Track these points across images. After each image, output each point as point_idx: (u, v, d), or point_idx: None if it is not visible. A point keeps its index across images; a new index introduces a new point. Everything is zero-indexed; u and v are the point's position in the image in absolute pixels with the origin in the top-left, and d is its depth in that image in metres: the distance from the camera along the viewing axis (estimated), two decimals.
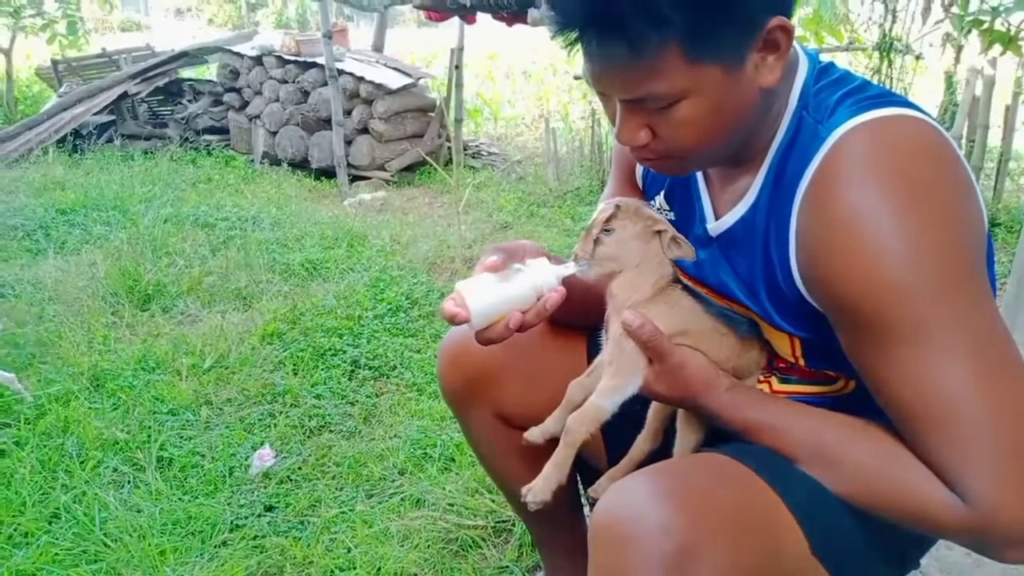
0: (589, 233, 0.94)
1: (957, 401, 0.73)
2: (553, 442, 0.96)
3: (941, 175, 0.78)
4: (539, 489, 0.91)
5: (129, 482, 1.88)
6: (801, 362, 0.93)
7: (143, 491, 1.83)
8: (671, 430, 1.02)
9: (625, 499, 0.79)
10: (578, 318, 1.09)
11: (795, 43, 0.92)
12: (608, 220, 0.93)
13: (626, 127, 0.85)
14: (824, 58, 0.93)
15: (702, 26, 0.76)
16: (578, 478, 1.32)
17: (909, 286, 0.74)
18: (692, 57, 0.77)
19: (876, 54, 4.04)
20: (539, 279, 0.93)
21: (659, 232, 0.94)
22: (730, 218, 0.92)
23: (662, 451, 1.02)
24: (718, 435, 0.93)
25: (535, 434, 1.00)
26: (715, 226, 0.95)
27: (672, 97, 0.80)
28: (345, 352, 2.52)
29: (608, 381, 0.91)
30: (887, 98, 0.82)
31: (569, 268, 0.95)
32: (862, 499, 0.81)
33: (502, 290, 0.93)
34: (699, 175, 0.99)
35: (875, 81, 4.17)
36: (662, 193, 1.06)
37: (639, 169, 1.11)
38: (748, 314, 0.95)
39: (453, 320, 0.91)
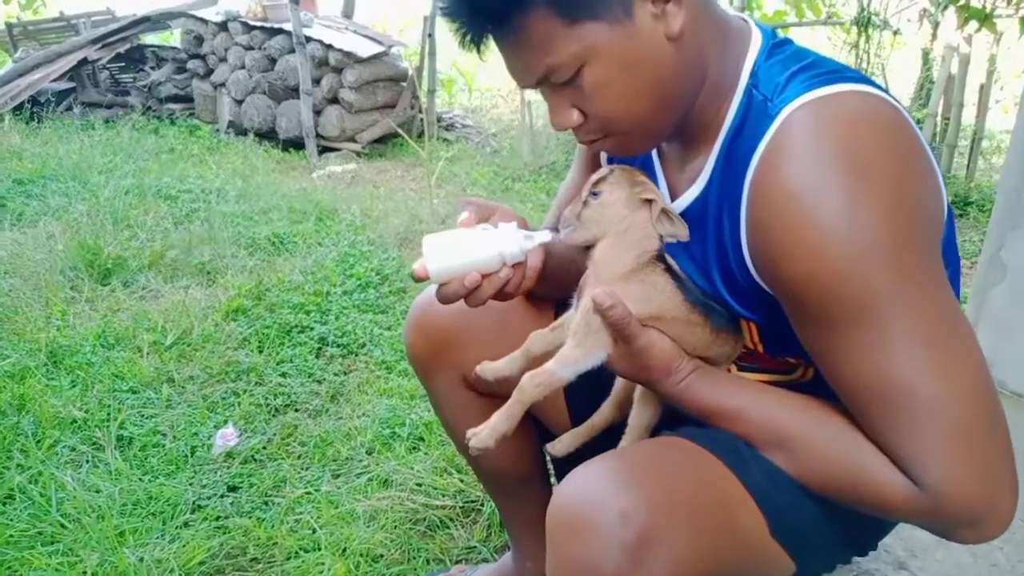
0: (579, 195, 0.90)
1: (906, 385, 0.73)
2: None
3: (892, 152, 0.75)
4: (484, 435, 0.88)
5: (87, 461, 1.82)
6: (760, 348, 0.93)
7: (102, 471, 1.78)
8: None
9: (584, 486, 0.77)
10: (553, 293, 1.06)
11: (749, 18, 0.90)
12: (598, 183, 0.89)
13: (555, 111, 0.85)
14: (782, 33, 0.91)
15: None
16: (546, 453, 1.30)
17: (855, 269, 0.72)
18: (568, 19, 0.77)
19: (854, 29, 4.02)
20: (504, 245, 0.90)
21: (648, 201, 0.87)
22: (684, 200, 0.91)
23: (625, 422, 1.00)
24: (675, 413, 0.92)
25: (487, 370, 0.98)
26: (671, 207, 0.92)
27: (571, 66, 0.79)
28: (312, 329, 2.47)
29: (570, 351, 0.87)
30: (840, 73, 0.79)
31: (536, 238, 0.91)
32: (818, 483, 0.81)
33: (466, 250, 0.91)
34: (655, 156, 0.97)
35: (853, 56, 4.19)
36: None
37: (603, 152, 1.08)
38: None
39: (414, 277, 0.92)
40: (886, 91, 0.81)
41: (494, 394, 1.09)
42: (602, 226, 0.88)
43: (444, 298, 0.94)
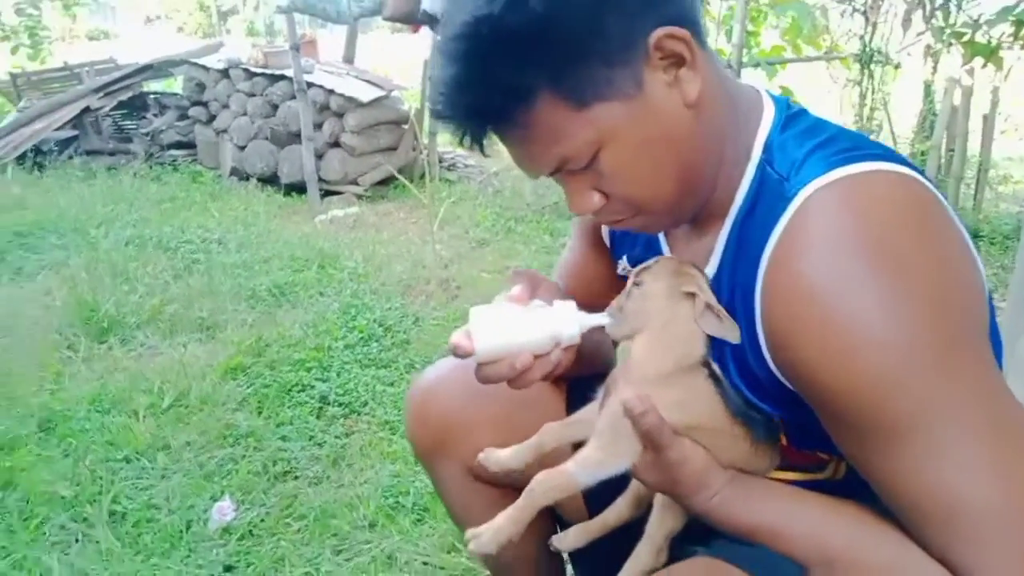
0: (627, 284, 0.84)
1: (964, 496, 0.64)
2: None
3: (925, 241, 0.68)
4: (485, 540, 0.79)
5: (77, 540, 1.74)
6: (784, 441, 0.84)
7: (92, 551, 1.70)
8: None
9: None
10: (579, 372, 0.94)
11: (760, 88, 0.83)
12: (641, 272, 0.82)
13: (573, 198, 0.78)
14: (794, 103, 0.84)
15: (564, 73, 0.69)
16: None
17: (893, 376, 0.65)
18: (577, 104, 0.70)
19: (855, 65, 4.00)
20: (561, 326, 0.82)
21: (690, 295, 0.78)
22: None
23: (642, 516, 0.92)
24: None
25: (491, 460, 0.90)
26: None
27: (587, 153, 0.73)
28: (313, 387, 2.39)
29: (592, 453, 0.79)
30: (863, 150, 0.72)
31: (596, 319, 0.83)
32: None
33: (518, 329, 0.82)
34: (662, 234, 0.90)
35: (856, 93, 4.15)
36: (624, 256, 0.97)
37: (605, 228, 1.02)
38: None
39: (455, 351, 0.81)
40: (914, 167, 0.74)
41: (501, 483, 1.02)
42: (642, 319, 0.80)
43: (486, 378, 0.84)
